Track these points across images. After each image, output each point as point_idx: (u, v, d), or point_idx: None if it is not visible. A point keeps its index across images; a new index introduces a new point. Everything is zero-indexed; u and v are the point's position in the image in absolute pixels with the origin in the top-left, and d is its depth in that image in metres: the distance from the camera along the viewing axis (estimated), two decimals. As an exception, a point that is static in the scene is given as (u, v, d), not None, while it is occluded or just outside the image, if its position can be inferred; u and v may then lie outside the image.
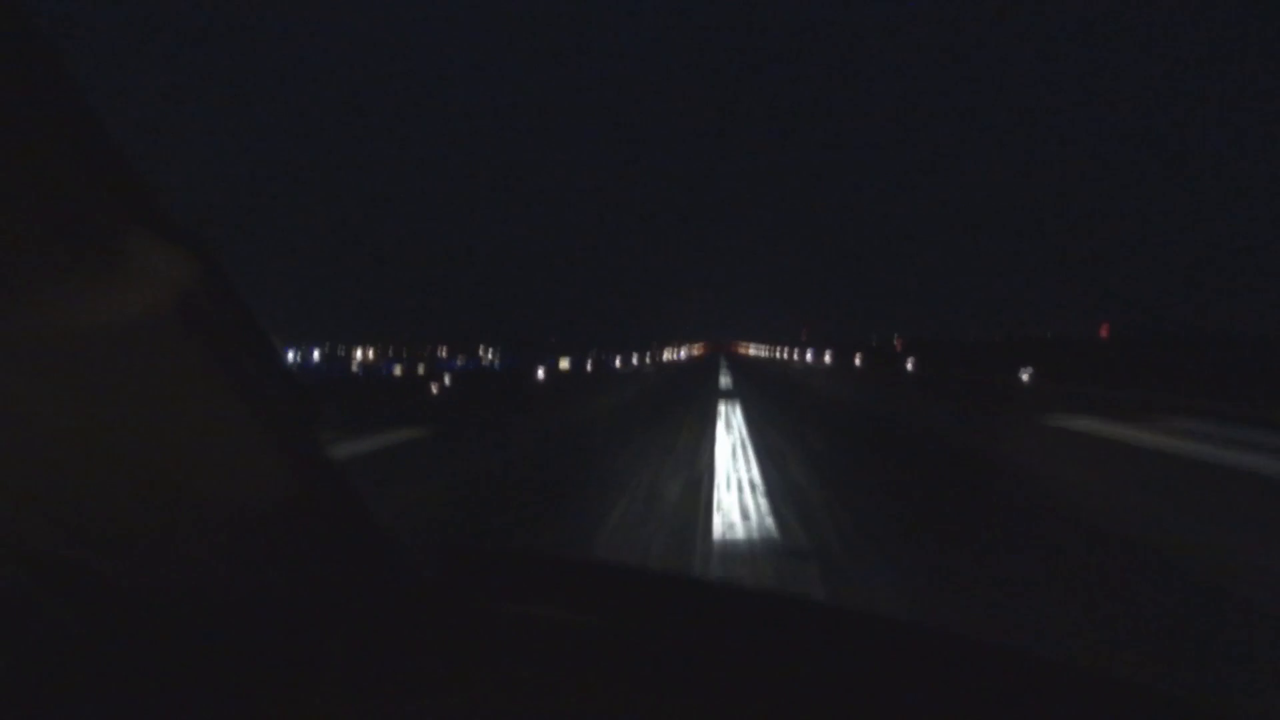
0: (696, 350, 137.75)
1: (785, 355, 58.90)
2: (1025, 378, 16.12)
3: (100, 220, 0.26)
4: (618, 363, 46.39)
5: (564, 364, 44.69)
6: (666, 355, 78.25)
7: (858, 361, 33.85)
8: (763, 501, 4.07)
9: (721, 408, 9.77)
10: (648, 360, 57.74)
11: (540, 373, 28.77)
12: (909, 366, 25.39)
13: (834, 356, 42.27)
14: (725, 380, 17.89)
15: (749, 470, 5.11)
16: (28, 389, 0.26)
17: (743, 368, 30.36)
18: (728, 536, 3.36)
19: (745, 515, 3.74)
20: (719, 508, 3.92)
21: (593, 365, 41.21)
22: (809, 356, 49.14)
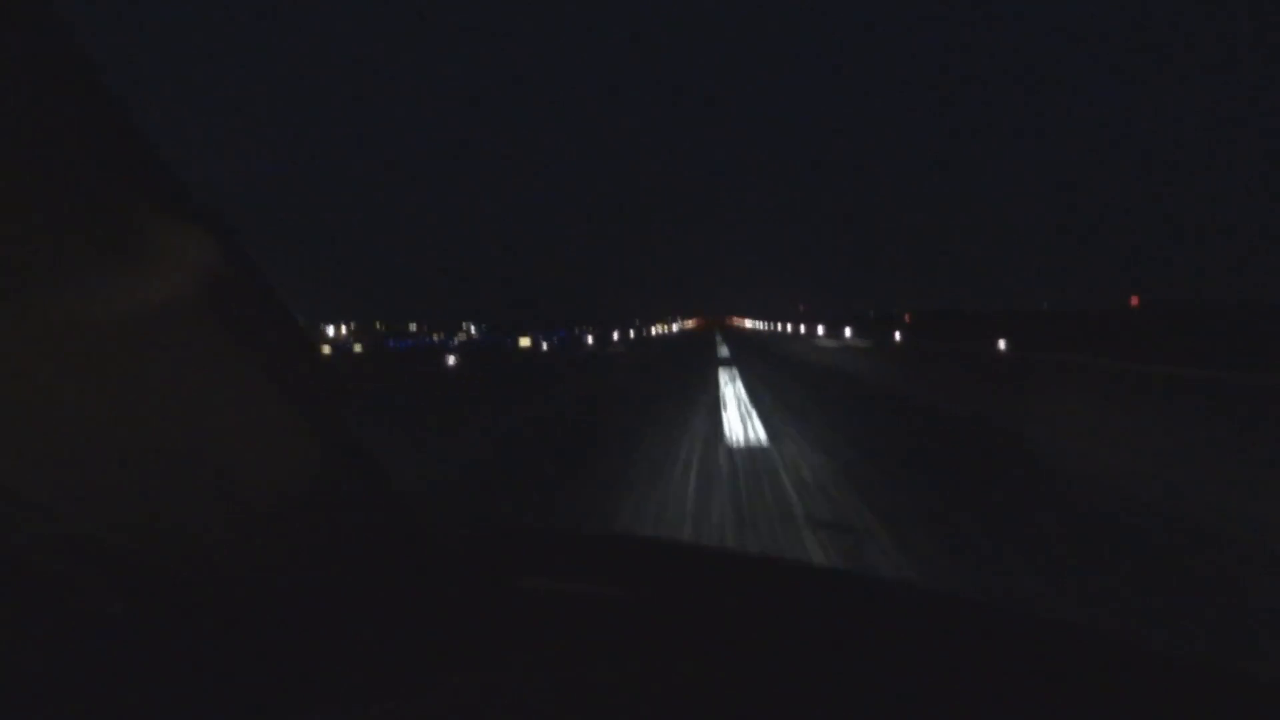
0: (690, 324, 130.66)
1: (790, 329, 49.63)
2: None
3: (125, 206, 0.26)
4: (589, 339, 38.09)
5: (524, 342, 36.90)
6: (655, 330, 71.40)
7: (898, 338, 24.96)
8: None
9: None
10: (631, 336, 49.96)
11: (451, 359, 20.93)
12: (1001, 346, 16.39)
13: (858, 332, 33.11)
14: (729, 393, 8.40)
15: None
16: (56, 376, 0.26)
17: (748, 349, 20.36)
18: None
19: None
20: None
21: (560, 344, 33.48)
22: (820, 330, 40.04)
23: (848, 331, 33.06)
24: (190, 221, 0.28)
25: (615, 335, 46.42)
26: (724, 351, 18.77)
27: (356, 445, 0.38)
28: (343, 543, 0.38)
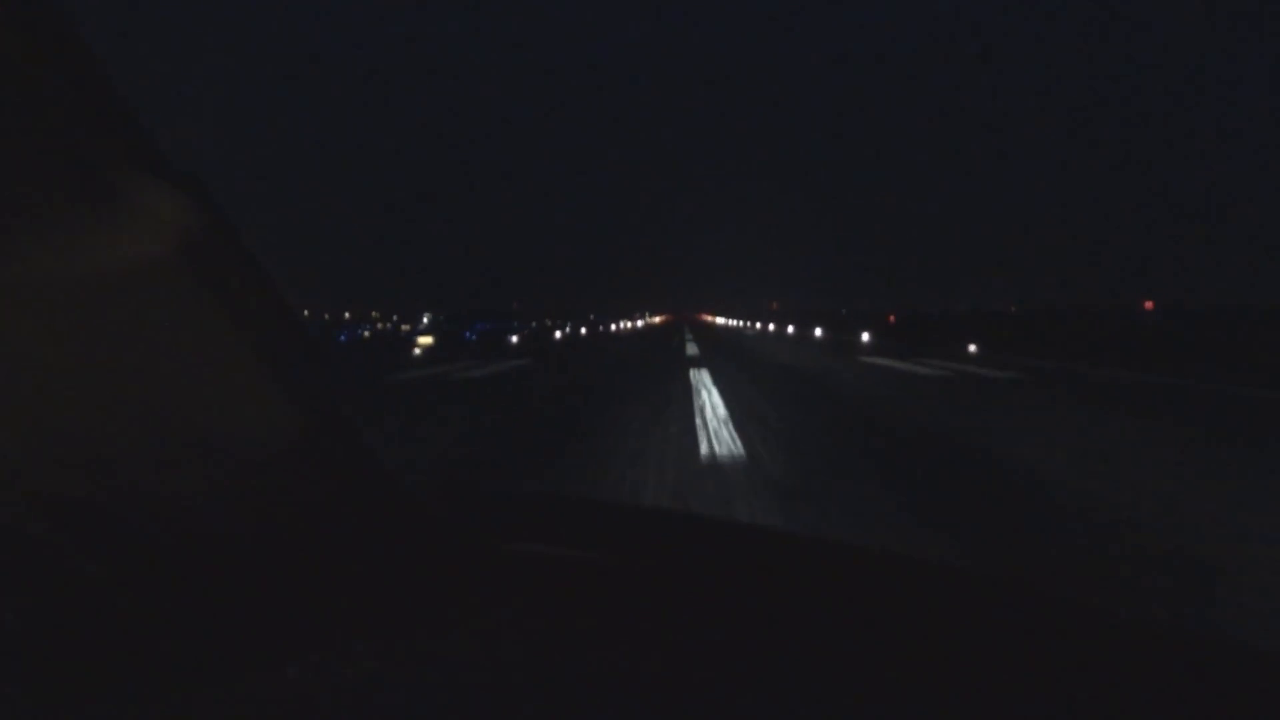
0: (658, 320, 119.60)
1: (772, 329, 39.35)
2: None
3: (101, 163, 0.26)
4: (514, 339, 27.44)
5: (424, 341, 27.03)
6: (619, 326, 60.60)
7: (973, 350, 14.66)
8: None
9: None
10: (583, 332, 39.43)
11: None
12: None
13: (876, 335, 22.88)
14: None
15: None
16: (33, 334, 0.26)
17: (757, 380, 8.38)
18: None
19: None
20: None
21: (471, 343, 24.44)
22: (819, 332, 29.92)
23: (865, 335, 22.75)
24: (170, 185, 0.28)
25: (559, 333, 35.64)
26: (713, 405, 5.92)
27: (338, 410, 0.37)
28: (325, 507, 0.37)
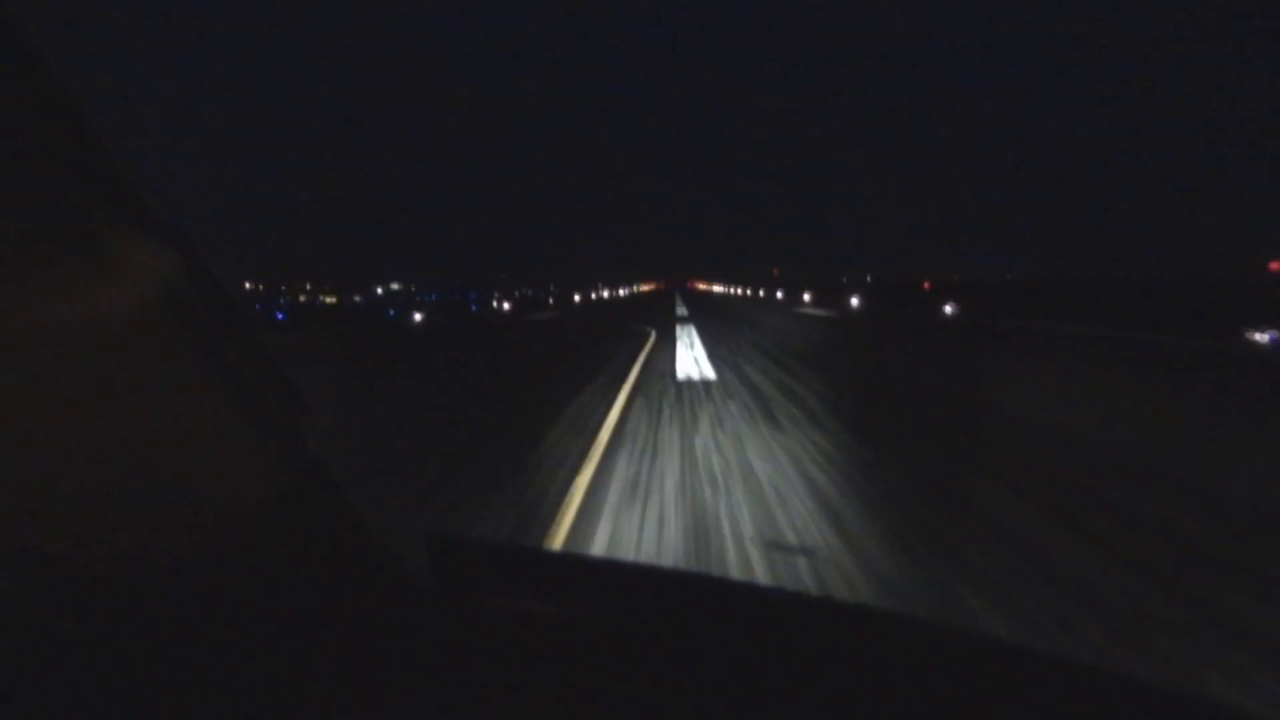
0: (645, 289, 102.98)
1: (803, 301, 24.11)
2: None
3: (86, 218, 0.25)
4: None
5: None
6: (589, 296, 45.57)
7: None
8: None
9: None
10: (506, 306, 24.00)
11: None
12: None
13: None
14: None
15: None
16: (13, 385, 0.25)
17: None
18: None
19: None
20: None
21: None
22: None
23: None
24: (150, 234, 0.27)
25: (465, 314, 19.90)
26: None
27: (317, 463, 0.36)
28: (301, 558, 0.37)
